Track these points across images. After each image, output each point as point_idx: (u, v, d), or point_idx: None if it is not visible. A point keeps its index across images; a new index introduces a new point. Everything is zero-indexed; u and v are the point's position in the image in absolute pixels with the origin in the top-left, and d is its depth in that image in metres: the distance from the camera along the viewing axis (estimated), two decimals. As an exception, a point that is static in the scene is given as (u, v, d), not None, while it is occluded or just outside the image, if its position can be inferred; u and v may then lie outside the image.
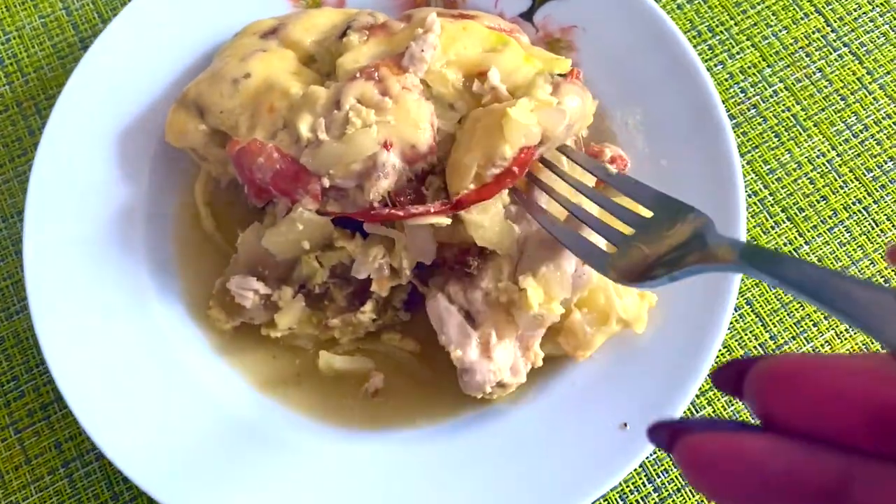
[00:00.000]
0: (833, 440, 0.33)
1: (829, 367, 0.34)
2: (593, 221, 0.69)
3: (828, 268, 0.46)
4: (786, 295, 0.84)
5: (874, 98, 0.92)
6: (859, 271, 0.85)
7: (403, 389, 0.78)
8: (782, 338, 0.83)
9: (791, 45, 0.95)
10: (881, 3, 0.96)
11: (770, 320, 0.84)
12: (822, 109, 0.92)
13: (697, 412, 0.80)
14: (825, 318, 0.84)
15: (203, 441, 0.73)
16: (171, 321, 0.78)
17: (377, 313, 0.77)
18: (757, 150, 0.90)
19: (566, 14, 0.84)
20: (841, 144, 0.90)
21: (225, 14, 0.84)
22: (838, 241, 0.87)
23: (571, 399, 0.75)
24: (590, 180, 0.74)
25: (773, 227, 0.87)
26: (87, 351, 0.74)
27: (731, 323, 0.83)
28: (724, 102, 0.87)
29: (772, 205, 0.88)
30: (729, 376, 0.37)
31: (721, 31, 0.95)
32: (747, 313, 0.84)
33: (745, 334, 0.83)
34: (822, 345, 0.83)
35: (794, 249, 0.86)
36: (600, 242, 0.69)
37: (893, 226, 0.87)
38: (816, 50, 0.94)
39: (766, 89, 0.93)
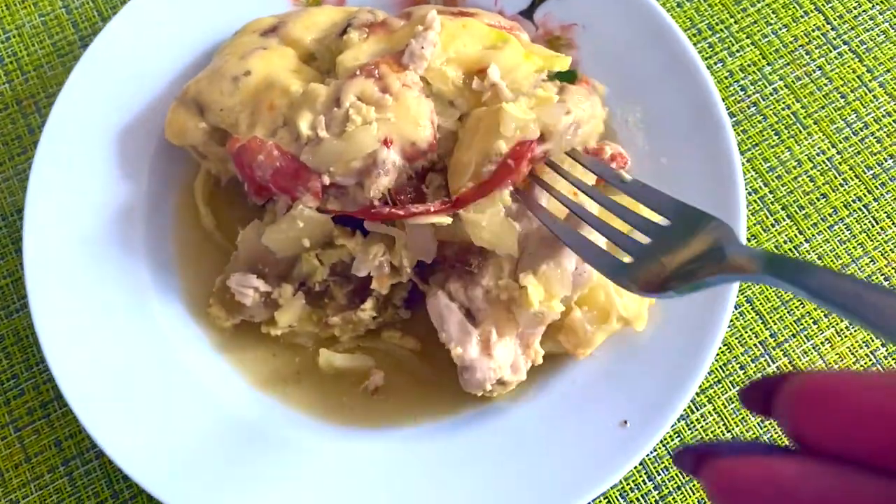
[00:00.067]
0: (868, 462, 0.32)
1: (862, 385, 0.33)
2: (608, 230, 0.66)
3: (853, 276, 0.45)
4: (786, 293, 0.84)
5: (874, 96, 0.92)
6: (859, 269, 0.85)
7: (404, 387, 0.78)
8: (782, 335, 0.83)
9: (791, 42, 0.95)
10: (881, 1, 0.96)
11: (770, 318, 0.84)
12: (822, 107, 0.92)
13: (697, 410, 0.80)
14: (825, 315, 0.84)
15: (203, 439, 0.73)
16: (170, 319, 0.78)
17: (377, 311, 0.77)
18: (757, 148, 0.90)
19: (566, 12, 0.84)
20: (841, 142, 0.91)
21: (225, 12, 0.84)
22: (838, 238, 0.87)
23: (572, 397, 0.75)
24: (610, 191, 0.71)
25: (773, 225, 0.87)
26: (87, 349, 0.74)
27: (731, 321, 0.83)
28: (724, 100, 0.87)
29: (772, 202, 0.88)
30: (757, 395, 0.36)
31: (721, 29, 0.95)
32: (747, 311, 0.84)
33: (745, 332, 0.83)
34: (822, 342, 0.83)
35: (794, 247, 0.86)
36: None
37: (893, 223, 0.87)
38: (816, 48, 0.94)
39: (766, 87, 0.93)
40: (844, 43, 0.95)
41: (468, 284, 0.73)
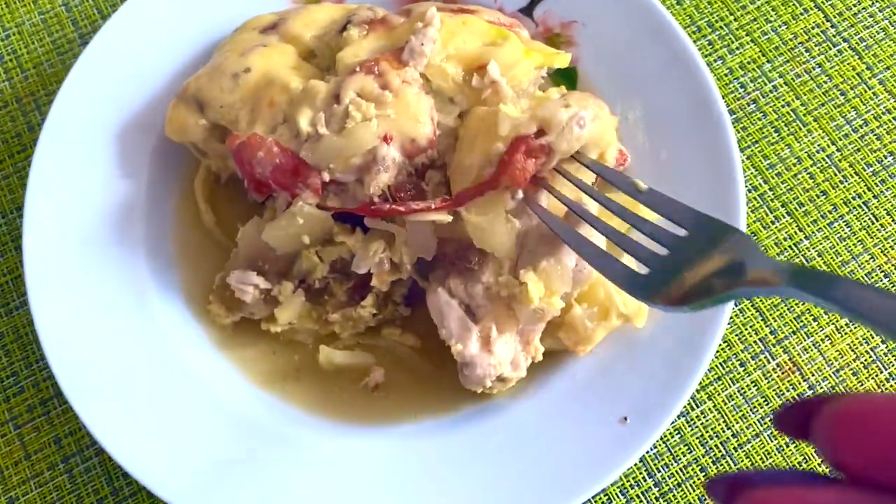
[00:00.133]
0: None
1: None
2: (625, 241, 0.64)
3: (878, 288, 0.44)
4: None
5: (874, 93, 0.92)
6: (859, 266, 0.86)
7: (404, 384, 0.78)
8: (782, 332, 0.83)
9: (791, 40, 0.95)
10: (881, -1, 0.96)
11: (770, 315, 0.84)
12: (822, 105, 0.92)
13: (697, 407, 0.80)
14: (825, 312, 0.84)
15: (203, 436, 0.73)
16: (170, 316, 0.78)
17: (377, 308, 0.77)
18: (757, 146, 0.90)
19: (566, 9, 0.85)
20: (841, 139, 0.91)
21: (224, 9, 0.85)
22: (838, 235, 0.87)
23: (572, 394, 0.75)
24: (622, 198, 0.69)
25: (773, 222, 0.87)
26: (87, 346, 0.74)
27: (731, 317, 0.83)
28: (723, 98, 0.87)
29: (772, 200, 0.88)
30: (793, 419, 0.34)
31: (721, 27, 0.95)
32: (747, 308, 0.84)
33: (745, 329, 0.83)
34: (822, 339, 0.83)
35: (793, 244, 0.86)
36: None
37: (893, 220, 0.87)
38: (816, 45, 0.95)
39: (765, 84, 0.93)
40: (844, 40, 0.95)
41: (468, 281, 0.73)
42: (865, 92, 0.92)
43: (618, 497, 0.78)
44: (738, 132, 0.91)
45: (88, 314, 0.75)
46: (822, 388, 0.81)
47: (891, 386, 0.81)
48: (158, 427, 0.72)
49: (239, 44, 0.78)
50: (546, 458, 0.71)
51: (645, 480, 0.78)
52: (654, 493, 0.78)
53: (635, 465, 0.78)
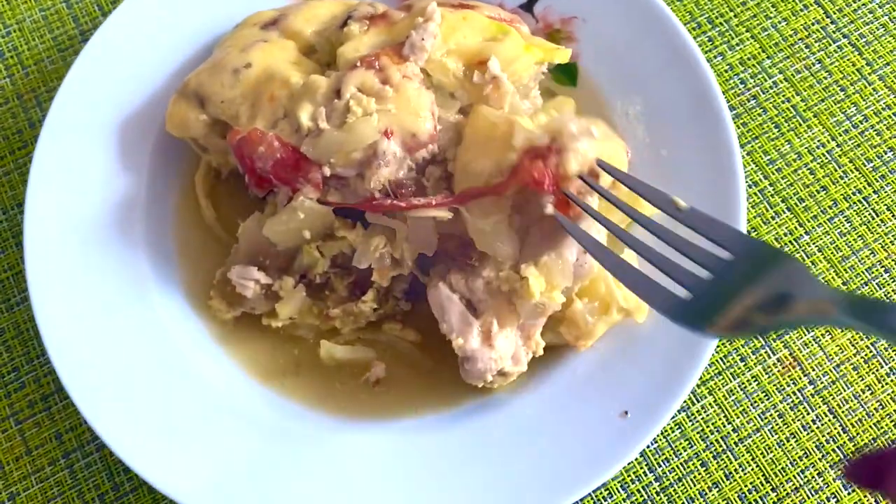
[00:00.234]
0: None
1: None
2: (666, 264, 0.60)
3: None
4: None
5: (874, 89, 0.92)
6: (859, 261, 0.86)
7: (404, 379, 0.78)
8: (781, 329, 0.83)
9: (790, 36, 0.95)
10: (880, -5, 0.96)
11: (770, 310, 0.84)
12: (822, 100, 0.92)
13: (698, 401, 0.80)
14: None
15: (204, 431, 0.73)
16: (171, 311, 0.78)
17: (378, 303, 0.77)
18: (757, 141, 0.90)
19: (566, 5, 0.85)
20: (841, 135, 0.91)
21: (225, 5, 0.85)
22: (838, 231, 0.87)
23: (572, 388, 0.75)
24: (650, 210, 0.67)
25: (773, 218, 0.87)
26: (88, 341, 0.74)
27: (732, 313, 0.83)
28: (724, 94, 0.87)
29: (772, 195, 0.88)
30: (869, 471, 0.33)
31: (720, 23, 0.96)
32: (748, 303, 0.84)
33: (746, 324, 0.83)
34: (822, 334, 0.83)
35: (794, 239, 0.86)
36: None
37: (893, 216, 0.87)
38: (816, 41, 0.95)
39: (765, 80, 0.93)
40: (844, 36, 0.95)
41: (469, 276, 0.73)
42: (865, 88, 0.92)
43: (619, 491, 0.78)
44: (739, 128, 0.91)
45: (89, 310, 0.75)
46: (822, 382, 0.81)
47: (891, 381, 0.81)
48: (159, 422, 0.72)
49: (240, 39, 0.79)
50: (547, 452, 0.72)
51: (646, 475, 0.78)
52: (654, 488, 0.78)
53: (636, 459, 0.78)
